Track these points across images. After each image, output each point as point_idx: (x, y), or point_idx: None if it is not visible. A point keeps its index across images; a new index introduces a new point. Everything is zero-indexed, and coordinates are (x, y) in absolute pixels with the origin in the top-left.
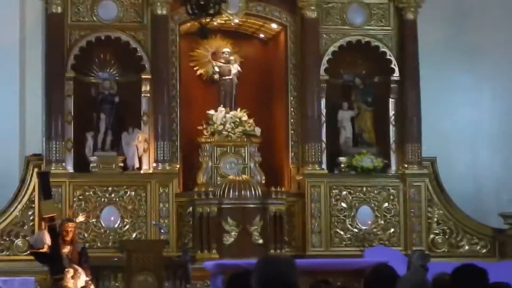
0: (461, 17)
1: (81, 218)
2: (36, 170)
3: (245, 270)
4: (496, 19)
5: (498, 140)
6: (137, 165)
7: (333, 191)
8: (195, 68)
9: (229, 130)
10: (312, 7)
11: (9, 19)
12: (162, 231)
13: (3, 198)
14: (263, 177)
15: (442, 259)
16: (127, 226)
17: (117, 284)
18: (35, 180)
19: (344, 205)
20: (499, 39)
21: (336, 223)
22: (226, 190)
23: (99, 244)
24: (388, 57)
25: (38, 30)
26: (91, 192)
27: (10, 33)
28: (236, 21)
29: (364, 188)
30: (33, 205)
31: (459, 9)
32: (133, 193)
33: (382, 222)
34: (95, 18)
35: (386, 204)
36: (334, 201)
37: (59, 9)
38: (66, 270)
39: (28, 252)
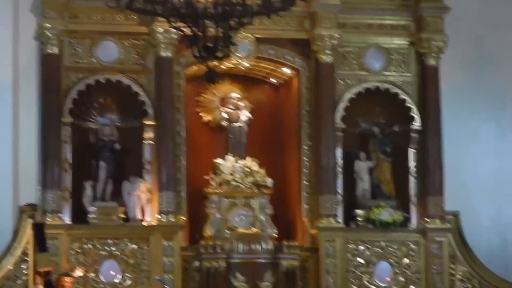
0: (484, 63)
1: (79, 273)
2: (30, 221)
3: None
4: None
5: None
6: (139, 217)
7: (350, 246)
8: (201, 114)
9: (239, 180)
10: (327, 51)
11: (1, 59)
12: (166, 287)
13: None
14: (275, 231)
15: None
16: (129, 282)
17: None
18: (29, 231)
19: (361, 260)
20: None
21: (352, 280)
22: (235, 244)
23: None
24: (408, 105)
25: (33, 72)
26: (89, 245)
27: (3, 75)
28: (246, 64)
29: (383, 243)
30: (27, 258)
31: (482, 54)
32: (135, 246)
33: (402, 279)
34: (94, 60)
35: (406, 260)
36: (350, 256)
37: (55, 50)
38: None
39: None
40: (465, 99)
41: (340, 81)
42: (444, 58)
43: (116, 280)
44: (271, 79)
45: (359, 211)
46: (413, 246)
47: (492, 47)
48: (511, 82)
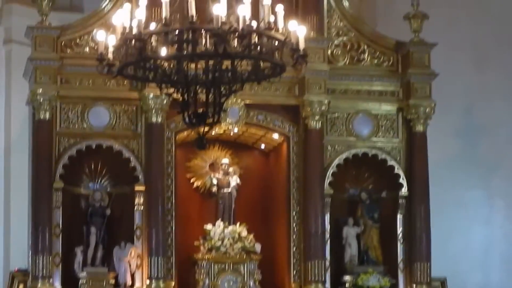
0: (472, 130)
1: None
2: (21, 286)
3: None
4: (510, 133)
5: (509, 260)
6: (129, 282)
7: None
8: (191, 180)
9: (228, 246)
10: (316, 117)
11: None
12: None
13: None
14: None
15: None
16: None
17: None
18: None
19: None
20: None
21: None
22: None
23: None
24: (397, 171)
25: (25, 137)
26: None
27: None
28: (236, 131)
29: None
30: None
31: (470, 122)
32: None
33: None
34: (85, 125)
35: None
36: None
37: (47, 115)
38: None
39: None
40: (453, 166)
41: (328, 147)
42: (432, 124)
43: None
44: (260, 145)
45: (347, 277)
46: None
47: (480, 115)
48: (499, 150)
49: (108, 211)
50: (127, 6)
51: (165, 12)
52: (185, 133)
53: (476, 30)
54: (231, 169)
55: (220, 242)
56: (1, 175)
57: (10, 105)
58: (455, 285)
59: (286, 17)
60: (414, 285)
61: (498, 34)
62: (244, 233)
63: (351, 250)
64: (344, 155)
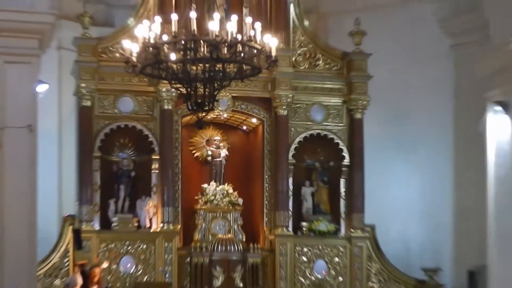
0: (399, 117)
1: (105, 265)
2: (70, 227)
3: None
4: (429, 119)
5: (422, 214)
6: (148, 225)
7: (297, 248)
8: (193, 152)
9: (219, 200)
10: (284, 107)
11: (49, 110)
12: (166, 275)
13: (45, 248)
14: (244, 236)
15: None
16: (140, 271)
17: None
18: (70, 235)
19: (305, 259)
20: (430, 135)
21: (298, 272)
22: (216, 246)
23: (118, 285)
24: (341, 147)
25: (72, 119)
26: (112, 245)
27: (50, 121)
28: (225, 115)
29: (320, 246)
30: (68, 254)
31: (398, 110)
32: (145, 246)
33: (333, 272)
34: (116, 111)
35: (337, 259)
36: (297, 255)
37: (89, 103)
38: None
39: None
40: (384, 144)
41: (292, 128)
42: (369, 113)
43: (131, 271)
44: (243, 126)
45: (304, 223)
46: (341, 249)
47: (402, 105)
48: (418, 132)
49: (132, 173)
50: (146, 22)
51: (174, 27)
52: (188, 117)
53: (406, 36)
54: (221, 144)
55: (213, 197)
56: (55, 147)
57: (61, 95)
58: (381, 231)
59: (262, 32)
60: (352, 230)
61: (423, 40)
62: (231, 190)
63: (307, 204)
64: (303, 135)
